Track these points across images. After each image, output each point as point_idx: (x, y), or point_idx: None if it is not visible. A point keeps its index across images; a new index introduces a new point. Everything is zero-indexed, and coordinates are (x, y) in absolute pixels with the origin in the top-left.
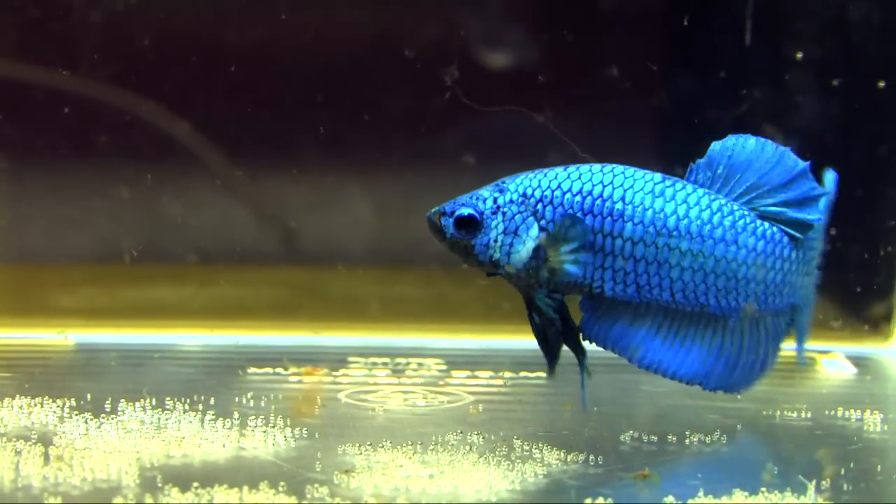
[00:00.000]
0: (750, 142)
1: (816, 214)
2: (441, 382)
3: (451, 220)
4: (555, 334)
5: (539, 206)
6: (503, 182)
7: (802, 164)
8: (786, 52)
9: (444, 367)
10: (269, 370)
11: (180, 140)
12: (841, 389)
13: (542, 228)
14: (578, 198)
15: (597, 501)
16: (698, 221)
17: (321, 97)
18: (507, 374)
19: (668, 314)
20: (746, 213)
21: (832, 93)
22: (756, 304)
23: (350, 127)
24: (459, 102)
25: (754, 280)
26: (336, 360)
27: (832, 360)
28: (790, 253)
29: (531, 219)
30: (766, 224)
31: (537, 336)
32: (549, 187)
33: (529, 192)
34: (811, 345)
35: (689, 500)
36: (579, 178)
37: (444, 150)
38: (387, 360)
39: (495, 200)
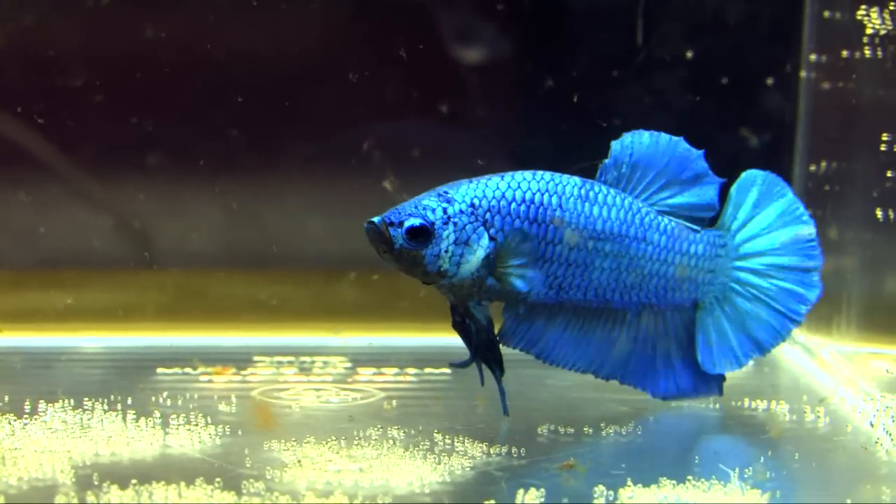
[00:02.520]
0: (644, 137)
1: (712, 196)
2: (350, 379)
3: (401, 230)
4: (485, 339)
5: (488, 216)
6: (445, 192)
7: (696, 152)
8: (672, 51)
9: (349, 365)
10: (178, 370)
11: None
12: (742, 381)
13: (491, 238)
14: (523, 206)
15: (528, 493)
16: (618, 222)
17: (174, 104)
18: (412, 371)
19: (577, 311)
20: (651, 210)
21: (719, 91)
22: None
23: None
24: (311, 109)
25: (657, 275)
26: (241, 359)
27: None
28: (689, 248)
29: (481, 229)
30: (668, 219)
31: (473, 344)
32: (493, 197)
33: (476, 202)
34: None
35: (620, 489)
36: (518, 186)
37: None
38: (292, 358)
39: (445, 211)
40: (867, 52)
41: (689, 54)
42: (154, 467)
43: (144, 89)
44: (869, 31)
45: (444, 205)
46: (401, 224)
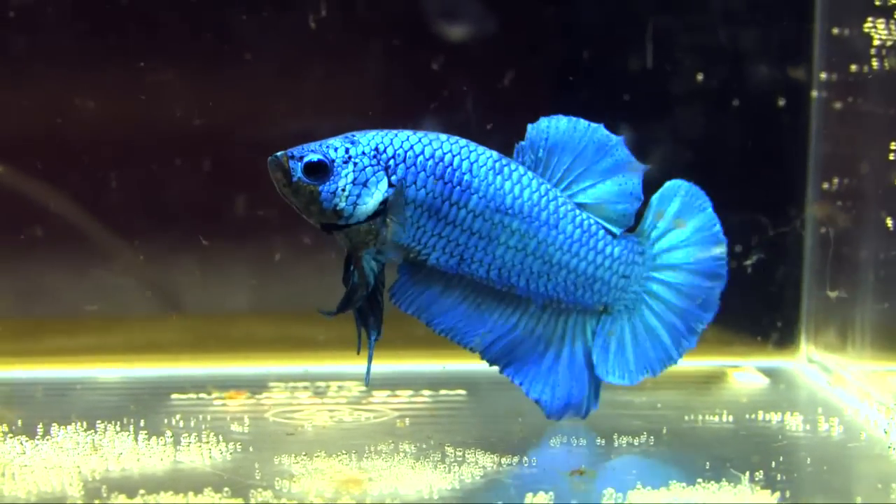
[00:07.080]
0: (562, 122)
1: (636, 185)
2: (364, 401)
3: (299, 163)
4: (363, 297)
5: (391, 163)
6: (353, 135)
7: (616, 139)
8: (684, 74)
9: (364, 388)
10: (193, 396)
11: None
12: (757, 397)
13: (391, 184)
14: (431, 161)
15: (537, 496)
16: (529, 202)
17: (198, 164)
18: (427, 392)
19: (477, 288)
20: (567, 201)
21: (730, 113)
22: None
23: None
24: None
25: (566, 268)
26: (256, 385)
27: (743, 372)
28: (605, 247)
29: (382, 173)
30: (585, 214)
31: (349, 294)
32: (401, 147)
33: (381, 147)
34: (722, 360)
35: (630, 491)
36: (430, 143)
37: None
38: (307, 383)
39: (347, 150)
40: (874, 63)
41: (700, 76)
42: (163, 480)
43: (165, 149)
44: (876, 43)
45: (348, 145)
46: (301, 158)
